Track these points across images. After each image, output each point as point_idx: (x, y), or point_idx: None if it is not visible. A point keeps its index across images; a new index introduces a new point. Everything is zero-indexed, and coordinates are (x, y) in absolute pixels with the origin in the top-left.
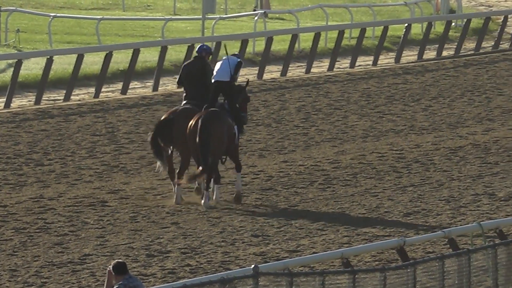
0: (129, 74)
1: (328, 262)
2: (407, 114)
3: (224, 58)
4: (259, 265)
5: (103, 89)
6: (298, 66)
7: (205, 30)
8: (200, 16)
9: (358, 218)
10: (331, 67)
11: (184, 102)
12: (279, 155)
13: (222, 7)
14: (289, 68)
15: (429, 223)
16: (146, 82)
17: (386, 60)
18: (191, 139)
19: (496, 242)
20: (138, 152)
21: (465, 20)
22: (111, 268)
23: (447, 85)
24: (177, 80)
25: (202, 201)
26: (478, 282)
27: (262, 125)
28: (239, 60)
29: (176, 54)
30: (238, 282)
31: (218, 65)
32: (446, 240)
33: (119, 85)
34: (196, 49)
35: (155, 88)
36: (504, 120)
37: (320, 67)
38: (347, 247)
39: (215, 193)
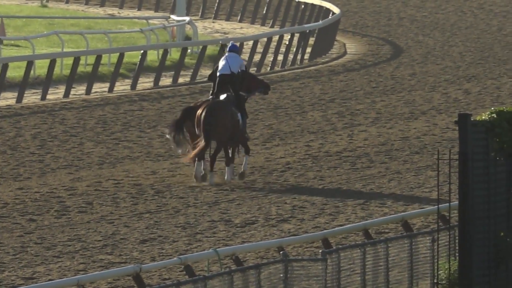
0: None
1: None
2: (144, 141)
3: (225, 56)
4: None
5: None
6: (34, 93)
7: None
8: None
9: (94, 245)
10: (67, 94)
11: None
12: (15, 182)
13: None
14: (25, 95)
15: (166, 249)
16: None
17: (122, 86)
18: (198, 126)
19: (232, 268)
20: None
21: (201, 47)
22: None
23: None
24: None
25: (226, 177)
26: None
27: None
28: (238, 57)
29: None
30: None
31: (221, 63)
32: (183, 266)
33: None
34: (229, 47)
35: None
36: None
37: (56, 94)
38: (83, 274)
39: (227, 173)
